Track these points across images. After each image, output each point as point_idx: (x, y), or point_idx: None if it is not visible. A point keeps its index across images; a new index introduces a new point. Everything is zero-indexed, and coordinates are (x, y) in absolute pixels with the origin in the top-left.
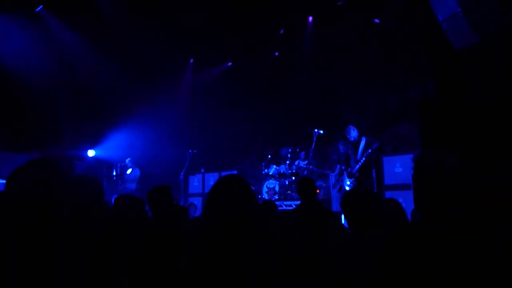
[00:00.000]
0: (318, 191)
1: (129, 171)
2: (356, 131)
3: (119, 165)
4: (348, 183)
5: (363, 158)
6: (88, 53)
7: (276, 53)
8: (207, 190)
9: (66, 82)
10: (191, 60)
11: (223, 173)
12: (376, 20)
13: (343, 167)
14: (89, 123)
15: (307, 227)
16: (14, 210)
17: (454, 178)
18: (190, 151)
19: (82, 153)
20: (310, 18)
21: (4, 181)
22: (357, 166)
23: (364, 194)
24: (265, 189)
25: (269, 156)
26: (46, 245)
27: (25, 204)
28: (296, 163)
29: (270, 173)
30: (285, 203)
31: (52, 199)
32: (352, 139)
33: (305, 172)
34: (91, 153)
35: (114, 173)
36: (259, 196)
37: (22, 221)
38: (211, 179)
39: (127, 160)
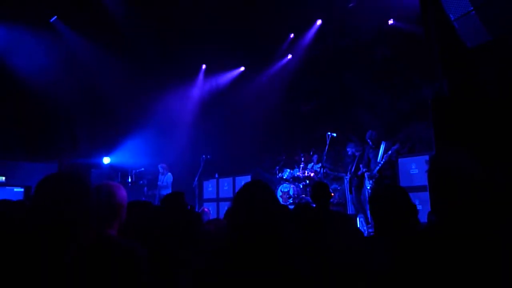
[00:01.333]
0: (332, 194)
1: (164, 177)
2: (375, 135)
3: (134, 172)
4: (368, 187)
5: (384, 159)
6: (103, 62)
7: (289, 57)
8: (221, 195)
9: (81, 90)
10: (203, 66)
11: (237, 178)
12: (390, 21)
13: (352, 170)
14: (104, 131)
15: (319, 231)
16: (43, 227)
17: (470, 179)
18: (204, 156)
19: (97, 160)
20: (319, 21)
21: (22, 190)
22: (377, 168)
23: (396, 190)
24: (279, 193)
25: (283, 160)
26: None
27: (54, 221)
28: (310, 166)
29: (284, 177)
30: None
31: (77, 215)
32: (371, 143)
33: (319, 175)
34: (106, 160)
35: (130, 180)
36: None
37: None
38: (225, 184)
39: (159, 166)
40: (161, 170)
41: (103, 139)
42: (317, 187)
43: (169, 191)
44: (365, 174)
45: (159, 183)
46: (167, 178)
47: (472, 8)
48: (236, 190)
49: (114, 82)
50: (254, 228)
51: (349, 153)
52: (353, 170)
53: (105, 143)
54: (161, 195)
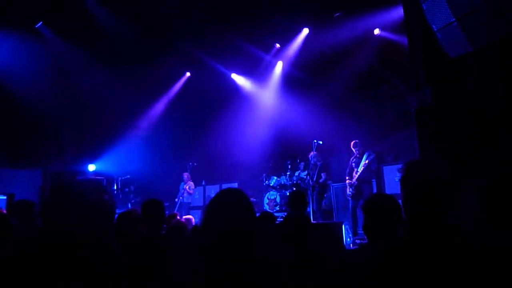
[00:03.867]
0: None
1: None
2: (359, 144)
3: (119, 179)
4: (349, 193)
5: (362, 168)
6: (89, 68)
7: (280, 64)
8: (207, 202)
9: (66, 96)
10: (187, 74)
11: (224, 185)
12: (376, 31)
13: (314, 178)
14: (89, 138)
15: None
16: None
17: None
18: (190, 163)
19: (82, 167)
20: (306, 30)
21: (4, 197)
22: (356, 176)
23: (388, 199)
24: (266, 201)
25: (269, 167)
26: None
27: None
28: (297, 174)
29: (271, 184)
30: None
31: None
32: (356, 152)
33: (306, 183)
34: (91, 167)
35: (115, 187)
36: (260, 208)
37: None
38: (212, 191)
39: (183, 174)
40: (185, 178)
41: (88, 146)
42: (293, 196)
43: (188, 199)
44: (347, 183)
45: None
46: (190, 185)
47: (454, 19)
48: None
49: (100, 89)
50: (224, 235)
51: (311, 161)
52: (314, 178)
53: (91, 150)
54: (182, 202)
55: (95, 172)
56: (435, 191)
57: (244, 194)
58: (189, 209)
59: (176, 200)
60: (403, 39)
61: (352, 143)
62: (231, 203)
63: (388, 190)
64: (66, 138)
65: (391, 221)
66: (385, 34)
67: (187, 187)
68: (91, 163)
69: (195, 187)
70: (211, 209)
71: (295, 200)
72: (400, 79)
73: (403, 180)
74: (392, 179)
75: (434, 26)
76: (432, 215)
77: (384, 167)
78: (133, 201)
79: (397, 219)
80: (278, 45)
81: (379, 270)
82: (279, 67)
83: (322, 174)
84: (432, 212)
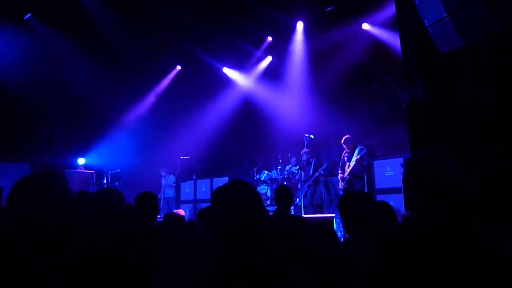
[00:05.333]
0: (298, 199)
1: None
2: (350, 140)
3: (109, 173)
4: (340, 186)
5: (354, 163)
6: (79, 60)
7: (269, 58)
8: (198, 196)
9: (56, 89)
10: (178, 67)
11: (215, 179)
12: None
13: (310, 174)
14: (79, 131)
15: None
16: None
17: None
18: (181, 157)
19: (72, 161)
20: (299, 24)
21: None
22: (348, 171)
23: (358, 195)
24: None
25: (261, 161)
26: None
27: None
28: (288, 168)
29: (262, 179)
30: None
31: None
32: (347, 148)
33: (296, 177)
34: (81, 161)
35: (105, 181)
36: None
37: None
38: (203, 185)
39: (161, 171)
40: (163, 174)
41: (78, 139)
42: (279, 191)
43: (172, 190)
44: (339, 177)
45: (163, 182)
46: (168, 180)
47: (446, 14)
48: (216, 189)
49: (90, 81)
50: (248, 236)
51: (304, 158)
52: (310, 173)
53: (80, 144)
54: (165, 197)
55: (85, 166)
56: (440, 186)
57: (254, 187)
58: (176, 203)
59: (159, 196)
60: (394, 35)
61: (343, 139)
62: (245, 198)
63: (379, 185)
64: (55, 131)
65: (365, 217)
66: (377, 28)
67: (163, 182)
68: (81, 156)
69: (186, 181)
70: (224, 204)
71: (283, 195)
72: (391, 76)
73: (408, 175)
74: (383, 173)
75: (426, 21)
76: (437, 209)
77: (375, 162)
78: None
79: (371, 215)
80: (270, 38)
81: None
82: (270, 61)
83: (319, 170)
84: (438, 207)
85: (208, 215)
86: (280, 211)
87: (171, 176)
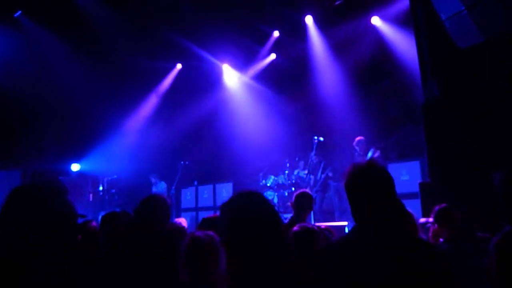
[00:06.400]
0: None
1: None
2: (363, 141)
3: (106, 179)
4: None
5: None
6: (73, 61)
7: (273, 56)
8: (200, 203)
9: (49, 91)
10: (179, 66)
11: (218, 185)
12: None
13: (318, 178)
14: (73, 135)
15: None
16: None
17: None
18: (182, 162)
19: (65, 167)
20: (308, 19)
21: None
22: None
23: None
24: None
25: (267, 166)
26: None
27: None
28: (296, 172)
29: (268, 184)
30: (285, 216)
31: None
32: (359, 150)
33: (305, 183)
34: (75, 167)
35: (101, 188)
36: None
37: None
38: (205, 191)
39: (151, 177)
40: (153, 180)
41: (72, 144)
42: (300, 198)
43: None
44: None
45: (154, 190)
46: (161, 186)
47: (463, 7)
48: (227, 201)
49: (84, 82)
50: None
51: (314, 160)
52: (318, 177)
53: (74, 148)
54: None
55: (79, 172)
56: None
57: (265, 198)
58: (176, 211)
59: None
60: (408, 30)
61: (355, 140)
62: (261, 212)
63: None
64: (47, 135)
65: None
66: (388, 24)
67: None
68: (75, 162)
69: (187, 187)
70: (232, 219)
71: (302, 202)
72: (404, 73)
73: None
74: (398, 178)
75: (442, 15)
76: None
77: (389, 165)
78: (117, 203)
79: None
80: (276, 33)
81: None
82: (275, 59)
83: (326, 171)
84: None
85: (214, 225)
86: (296, 219)
87: (162, 182)
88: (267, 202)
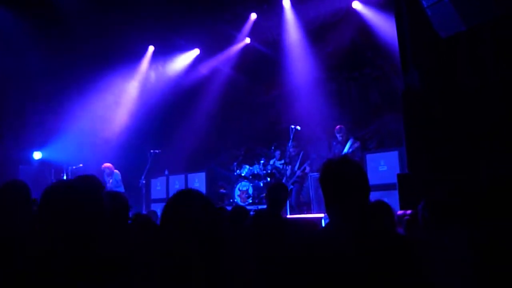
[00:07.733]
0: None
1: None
2: (344, 130)
3: (70, 168)
4: None
5: None
6: (34, 41)
7: (247, 41)
8: (171, 194)
9: (7, 74)
10: (151, 48)
11: (190, 175)
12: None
13: (295, 169)
14: (35, 121)
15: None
16: None
17: None
18: (152, 151)
19: (26, 155)
20: (286, 1)
21: None
22: None
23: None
24: (237, 192)
25: (241, 155)
26: None
27: None
28: (272, 162)
29: (243, 174)
30: (260, 207)
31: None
32: (340, 138)
33: (282, 173)
34: (37, 155)
35: (65, 178)
36: (231, 200)
37: None
38: (177, 182)
39: (103, 167)
40: (107, 171)
41: (34, 130)
42: (273, 190)
43: (122, 189)
44: None
45: (108, 185)
46: (116, 176)
47: None
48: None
49: (48, 65)
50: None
51: (291, 152)
52: (295, 169)
53: (36, 136)
54: None
55: (41, 161)
56: None
57: (203, 195)
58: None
59: None
60: (389, 16)
61: (336, 128)
62: (191, 208)
63: (372, 181)
64: (6, 120)
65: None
66: (368, 7)
67: (110, 180)
68: (37, 150)
69: (157, 177)
70: (169, 214)
71: (276, 194)
72: (385, 60)
73: None
74: (376, 168)
75: (424, 2)
76: None
77: (367, 155)
78: None
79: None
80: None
81: None
82: (250, 45)
83: (305, 164)
84: None
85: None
86: (269, 211)
87: (117, 172)
88: (204, 201)
